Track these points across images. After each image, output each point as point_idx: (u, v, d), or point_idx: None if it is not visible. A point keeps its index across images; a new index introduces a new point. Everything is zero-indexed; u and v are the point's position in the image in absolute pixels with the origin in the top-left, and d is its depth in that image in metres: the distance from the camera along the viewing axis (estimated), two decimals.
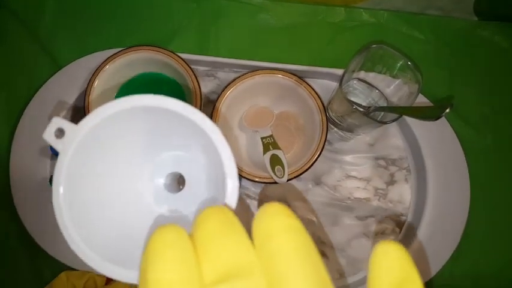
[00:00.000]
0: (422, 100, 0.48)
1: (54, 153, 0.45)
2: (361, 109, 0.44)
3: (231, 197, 0.21)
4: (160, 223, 0.26)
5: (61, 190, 0.22)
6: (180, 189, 0.29)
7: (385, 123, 0.38)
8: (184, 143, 0.27)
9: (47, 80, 0.49)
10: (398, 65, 0.40)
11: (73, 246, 0.21)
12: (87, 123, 0.22)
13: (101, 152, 0.24)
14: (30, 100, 0.48)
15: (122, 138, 0.25)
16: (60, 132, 0.22)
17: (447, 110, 0.31)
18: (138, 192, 0.28)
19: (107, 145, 0.24)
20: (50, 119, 0.23)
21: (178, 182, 0.30)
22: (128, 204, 0.27)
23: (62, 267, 0.45)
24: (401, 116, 0.38)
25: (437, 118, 0.32)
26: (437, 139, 0.48)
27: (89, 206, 0.23)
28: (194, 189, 0.28)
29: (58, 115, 0.42)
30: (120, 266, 0.21)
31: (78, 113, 0.49)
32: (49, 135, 0.22)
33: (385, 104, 0.44)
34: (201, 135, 0.22)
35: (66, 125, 0.22)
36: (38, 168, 0.47)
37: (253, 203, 0.49)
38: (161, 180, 0.29)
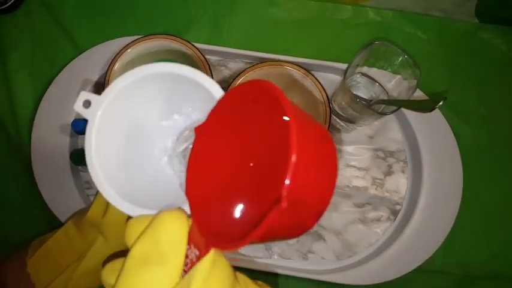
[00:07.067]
0: (420, 94, 0.51)
1: (75, 131, 0.48)
2: (364, 102, 0.46)
3: None
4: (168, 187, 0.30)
5: (92, 148, 0.25)
6: None
7: (385, 114, 0.41)
8: (194, 107, 0.30)
9: (69, 62, 0.51)
10: (399, 60, 0.42)
11: (96, 181, 0.25)
12: (108, 93, 0.26)
13: (121, 115, 0.28)
14: (52, 79, 0.51)
15: (138, 104, 0.29)
16: (87, 103, 0.26)
17: (440, 103, 0.34)
18: (152, 153, 0.31)
19: (126, 110, 0.28)
20: (76, 95, 0.27)
21: None
22: (143, 160, 0.30)
23: None
24: (399, 108, 0.41)
25: (431, 110, 0.34)
26: (434, 134, 0.51)
27: (112, 159, 0.27)
28: None
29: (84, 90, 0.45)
30: (135, 205, 0.25)
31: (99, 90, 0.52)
32: (78, 106, 0.26)
33: (385, 98, 0.47)
34: (210, 99, 0.25)
35: (92, 97, 0.26)
36: (58, 144, 0.50)
37: None
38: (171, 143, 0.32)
